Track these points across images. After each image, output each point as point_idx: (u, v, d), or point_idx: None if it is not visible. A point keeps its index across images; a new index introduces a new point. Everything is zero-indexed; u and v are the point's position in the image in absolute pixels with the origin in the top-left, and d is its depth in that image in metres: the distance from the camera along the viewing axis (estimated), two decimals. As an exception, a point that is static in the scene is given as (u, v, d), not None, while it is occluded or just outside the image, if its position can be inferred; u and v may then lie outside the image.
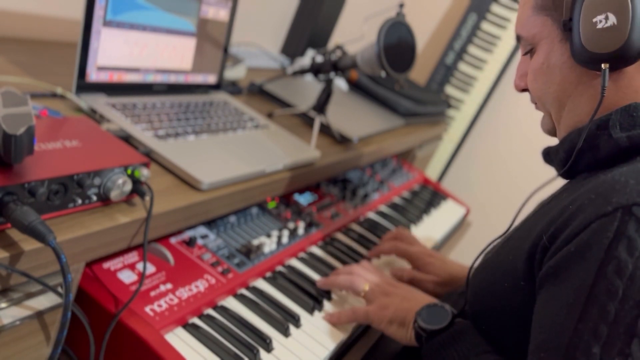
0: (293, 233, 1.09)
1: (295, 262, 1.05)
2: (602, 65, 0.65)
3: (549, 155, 0.79)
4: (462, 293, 1.01)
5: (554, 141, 0.79)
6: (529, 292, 0.68)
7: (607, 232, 0.58)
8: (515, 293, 0.70)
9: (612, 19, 0.63)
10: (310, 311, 0.93)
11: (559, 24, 0.71)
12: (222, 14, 1.15)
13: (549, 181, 0.76)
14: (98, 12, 0.89)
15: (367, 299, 0.94)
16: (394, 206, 1.50)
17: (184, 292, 0.82)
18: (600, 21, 0.64)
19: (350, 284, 0.96)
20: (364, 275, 0.97)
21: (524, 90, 0.80)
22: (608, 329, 0.55)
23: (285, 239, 1.06)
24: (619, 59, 0.64)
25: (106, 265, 0.81)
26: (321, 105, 1.30)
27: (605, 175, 0.64)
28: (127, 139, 0.86)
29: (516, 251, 0.71)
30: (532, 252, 0.67)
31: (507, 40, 2.35)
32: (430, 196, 1.69)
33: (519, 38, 0.78)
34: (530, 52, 0.77)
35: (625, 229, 0.57)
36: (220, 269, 0.90)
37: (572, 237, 0.61)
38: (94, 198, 0.69)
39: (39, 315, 0.65)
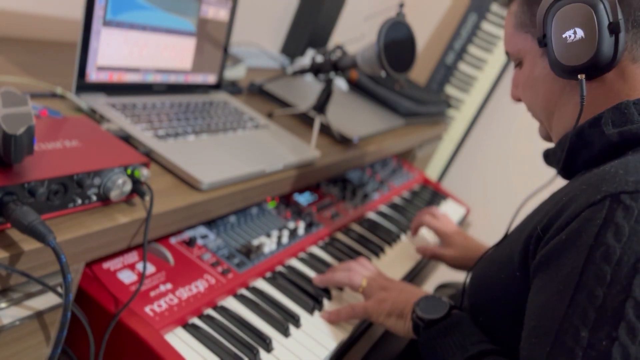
0: (293, 233, 1.09)
1: (295, 262, 1.05)
2: (579, 76, 0.69)
3: (548, 156, 0.82)
4: (463, 293, 1.02)
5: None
6: (524, 283, 0.69)
7: (596, 220, 0.59)
8: (511, 284, 0.72)
9: (580, 33, 0.67)
10: (310, 311, 0.93)
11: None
12: (222, 14, 1.15)
13: (543, 186, 0.79)
14: (98, 12, 0.89)
15: (365, 294, 0.95)
16: (394, 206, 1.50)
17: (183, 292, 0.82)
18: (570, 36, 0.68)
19: (348, 280, 0.97)
20: (361, 272, 0.98)
21: (520, 100, 0.84)
22: (596, 313, 0.56)
23: (285, 239, 1.06)
24: (593, 69, 0.68)
25: (106, 265, 0.81)
26: (321, 105, 1.30)
27: (597, 169, 0.66)
28: (127, 139, 0.86)
29: (513, 244, 0.73)
30: (527, 243, 0.69)
31: (507, 40, 2.35)
32: (430, 196, 1.69)
33: (507, 53, 0.83)
34: (519, 65, 0.81)
35: (613, 216, 0.59)
36: (220, 269, 0.90)
37: (564, 226, 0.63)
38: (94, 198, 0.69)
39: (39, 315, 0.65)
